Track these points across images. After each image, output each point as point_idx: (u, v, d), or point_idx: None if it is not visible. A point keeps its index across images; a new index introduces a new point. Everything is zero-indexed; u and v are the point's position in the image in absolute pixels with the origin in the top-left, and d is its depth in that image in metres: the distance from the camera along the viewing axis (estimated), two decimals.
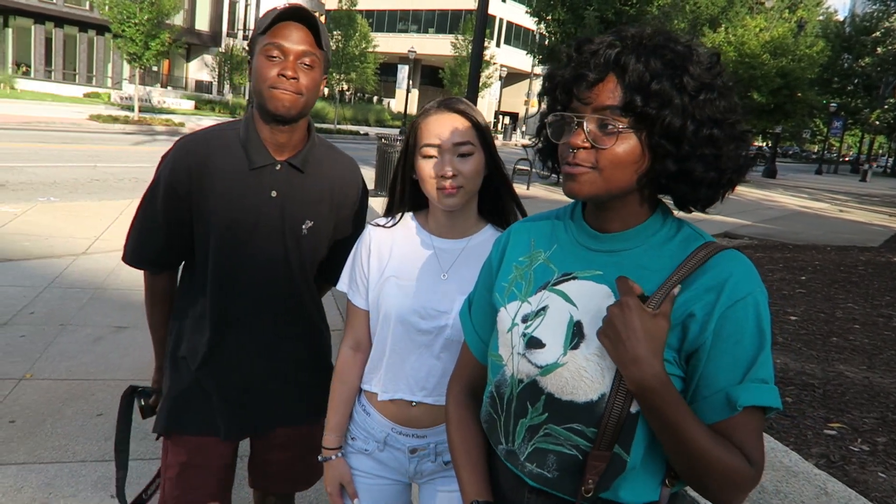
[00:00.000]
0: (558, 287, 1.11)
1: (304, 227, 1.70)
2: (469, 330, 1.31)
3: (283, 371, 1.77)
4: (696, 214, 1.11)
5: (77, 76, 36.07)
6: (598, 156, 0.99)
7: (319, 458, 1.63)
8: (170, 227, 1.67)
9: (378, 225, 1.59)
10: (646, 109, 0.96)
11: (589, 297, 1.07)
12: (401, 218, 1.58)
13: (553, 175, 1.23)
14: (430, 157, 1.44)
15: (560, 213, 1.22)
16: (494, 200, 1.56)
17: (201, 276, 1.70)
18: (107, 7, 21.26)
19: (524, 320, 1.12)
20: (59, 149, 13.85)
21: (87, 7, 33.92)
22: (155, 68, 34.38)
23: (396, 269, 1.52)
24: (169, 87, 37.48)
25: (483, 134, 1.47)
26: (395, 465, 1.58)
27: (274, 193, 1.65)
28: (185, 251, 1.73)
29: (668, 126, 0.97)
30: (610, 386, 1.01)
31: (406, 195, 1.56)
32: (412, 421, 1.54)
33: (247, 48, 1.64)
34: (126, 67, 32.95)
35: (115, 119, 21.69)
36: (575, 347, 1.05)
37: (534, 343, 1.09)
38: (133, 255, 1.75)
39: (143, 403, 1.88)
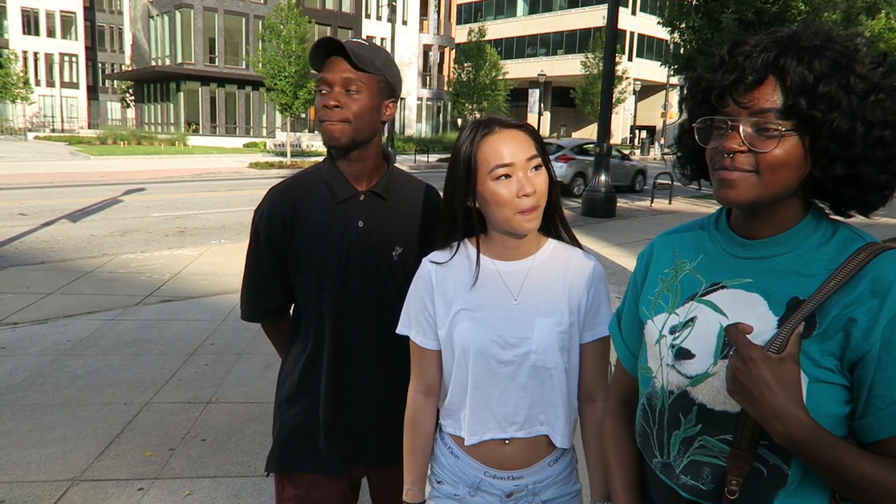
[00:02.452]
0: (707, 297, 1.09)
1: (394, 253, 1.69)
2: (619, 344, 1.31)
3: (386, 404, 1.72)
4: (861, 218, 1.05)
5: (237, 129, 40.07)
6: (758, 159, 0.97)
7: None
8: (279, 276, 1.72)
9: (435, 262, 1.48)
10: (811, 112, 0.93)
11: (740, 306, 1.05)
12: (458, 248, 1.48)
13: (693, 184, 1.22)
14: (505, 177, 1.34)
15: (704, 222, 1.20)
16: (551, 213, 1.46)
17: (304, 315, 1.73)
18: (260, 65, 23.48)
19: (672, 331, 1.12)
20: (226, 195, 15.34)
21: (244, 66, 37.69)
22: (303, 115, 37.21)
23: (465, 301, 1.43)
24: (316, 132, 40.25)
25: (542, 144, 1.40)
26: None
27: (361, 224, 1.67)
28: (293, 296, 1.77)
29: (837, 129, 0.93)
30: None
31: (461, 224, 1.46)
32: (506, 462, 1.43)
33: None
34: (278, 117, 36.07)
35: (270, 165, 23.73)
36: (726, 357, 1.02)
37: (682, 354, 1.08)
38: (252, 312, 1.79)
39: None
